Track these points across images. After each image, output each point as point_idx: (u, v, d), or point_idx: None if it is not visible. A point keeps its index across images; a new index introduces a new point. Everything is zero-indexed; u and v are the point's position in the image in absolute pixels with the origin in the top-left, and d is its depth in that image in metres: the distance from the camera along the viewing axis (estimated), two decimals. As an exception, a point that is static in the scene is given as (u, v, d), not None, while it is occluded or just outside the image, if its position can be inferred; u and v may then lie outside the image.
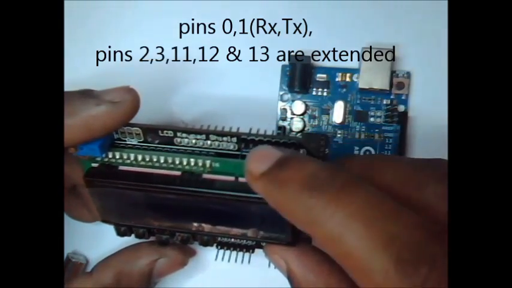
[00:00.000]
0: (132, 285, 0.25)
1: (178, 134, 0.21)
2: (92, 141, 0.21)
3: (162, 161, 0.22)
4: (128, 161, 0.22)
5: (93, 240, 0.29)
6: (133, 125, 0.22)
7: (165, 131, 0.21)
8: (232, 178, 0.21)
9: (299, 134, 0.28)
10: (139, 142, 0.22)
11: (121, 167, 0.22)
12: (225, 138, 0.21)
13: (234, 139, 0.21)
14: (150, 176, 0.22)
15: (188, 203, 0.22)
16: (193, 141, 0.21)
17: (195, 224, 0.23)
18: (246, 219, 0.22)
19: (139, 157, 0.22)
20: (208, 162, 0.22)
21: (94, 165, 0.23)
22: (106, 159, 0.22)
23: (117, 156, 0.22)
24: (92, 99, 0.21)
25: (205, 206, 0.22)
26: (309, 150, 0.20)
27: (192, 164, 0.22)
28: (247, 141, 0.21)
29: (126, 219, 0.24)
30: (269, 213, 0.21)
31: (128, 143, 0.22)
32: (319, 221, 0.17)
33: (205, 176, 0.22)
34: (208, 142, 0.21)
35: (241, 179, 0.21)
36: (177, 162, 0.22)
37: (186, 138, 0.21)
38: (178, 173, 0.22)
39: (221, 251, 0.25)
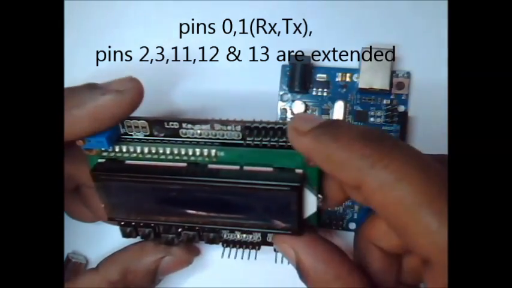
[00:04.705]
0: (138, 281, 0.25)
1: (184, 125, 0.22)
2: (100, 132, 0.21)
3: (168, 152, 0.22)
4: (134, 155, 0.22)
5: (93, 240, 0.29)
6: (140, 118, 0.22)
7: (170, 123, 0.22)
8: (237, 167, 0.22)
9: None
10: (145, 136, 0.22)
11: (127, 161, 0.23)
12: (229, 127, 0.21)
13: (238, 127, 0.21)
14: (156, 169, 0.22)
15: (194, 194, 0.22)
16: (199, 131, 0.22)
17: (201, 213, 0.23)
18: (251, 209, 0.22)
19: (146, 149, 0.22)
20: (213, 152, 0.22)
21: (101, 160, 0.23)
22: (113, 154, 0.23)
23: (124, 150, 0.22)
24: (98, 89, 0.21)
25: (211, 196, 0.22)
26: None
27: (198, 154, 0.22)
28: (251, 129, 0.21)
29: (132, 215, 0.24)
30: (275, 202, 0.21)
31: (134, 137, 0.22)
32: (374, 168, 0.17)
33: (211, 166, 0.22)
34: (213, 132, 0.22)
35: (246, 168, 0.22)
36: (183, 153, 0.22)
37: (191, 129, 0.22)
38: (184, 164, 0.22)
39: (227, 249, 0.25)
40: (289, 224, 0.22)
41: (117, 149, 0.23)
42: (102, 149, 0.22)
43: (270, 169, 0.21)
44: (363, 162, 0.17)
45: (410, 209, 0.16)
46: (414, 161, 0.17)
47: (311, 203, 0.21)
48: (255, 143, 0.21)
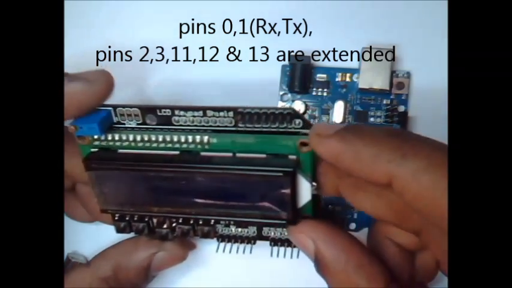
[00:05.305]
0: (130, 278, 0.25)
1: (176, 113, 0.22)
2: (68, 118, 0.22)
3: (160, 140, 0.22)
4: (127, 143, 0.22)
5: (93, 240, 0.29)
6: (132, 106, 0.22)
7: (163, 110, 0.22)
8: (230, 154, 0.22)
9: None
10: (138, 124, 0.22)
11: (120, 150, 0.23)
12: (221, 114, 0.21)
13: (231, 113, 0.21)
14: (149, 157, 0.22)
15: (187, 182, 0.22)
16: (191, 118, 0.22)
17: (194, 201, 0.23)
18: (245, 196, 0.22)
19: (138, 137, 0.22)
20: (206, 138, 0.22)
21: (93, 150, 0.23)
22: (105, 143, 0.23)
23: (116, 138, 0.22)
24: (66, 77, 0.21)
25: (204, 183, 0.22)
26: (304, 120, 0.20)
27: (190, 140, 0.22)
28: (243, 114, 0.21)
29: (125, 206, 0.24)
30: (268, 189, 0.21)
31: (127, 126, 0.22)
32: (405, 158, 0.17)
33: (203, 153, 0.22)
34: (206, 119, 0.21)
35: (239, 155, 0.21)
36: (175, 140, 0.22)
37: (184, 116, 0.22)
38: (176, 152, 0.22)
39: (222, 244, 0.24)
40: (284, 211, 0.22)
41: (109, 137, 0.22)
42: (95, 136, 0.22)
43: (263, 155, 0.21)
44: (394, 154, 0.17)
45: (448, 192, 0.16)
46: (441, 149, 0.17)
47: (305, 190, 0.21)
48: (248, 129, 0.21)
